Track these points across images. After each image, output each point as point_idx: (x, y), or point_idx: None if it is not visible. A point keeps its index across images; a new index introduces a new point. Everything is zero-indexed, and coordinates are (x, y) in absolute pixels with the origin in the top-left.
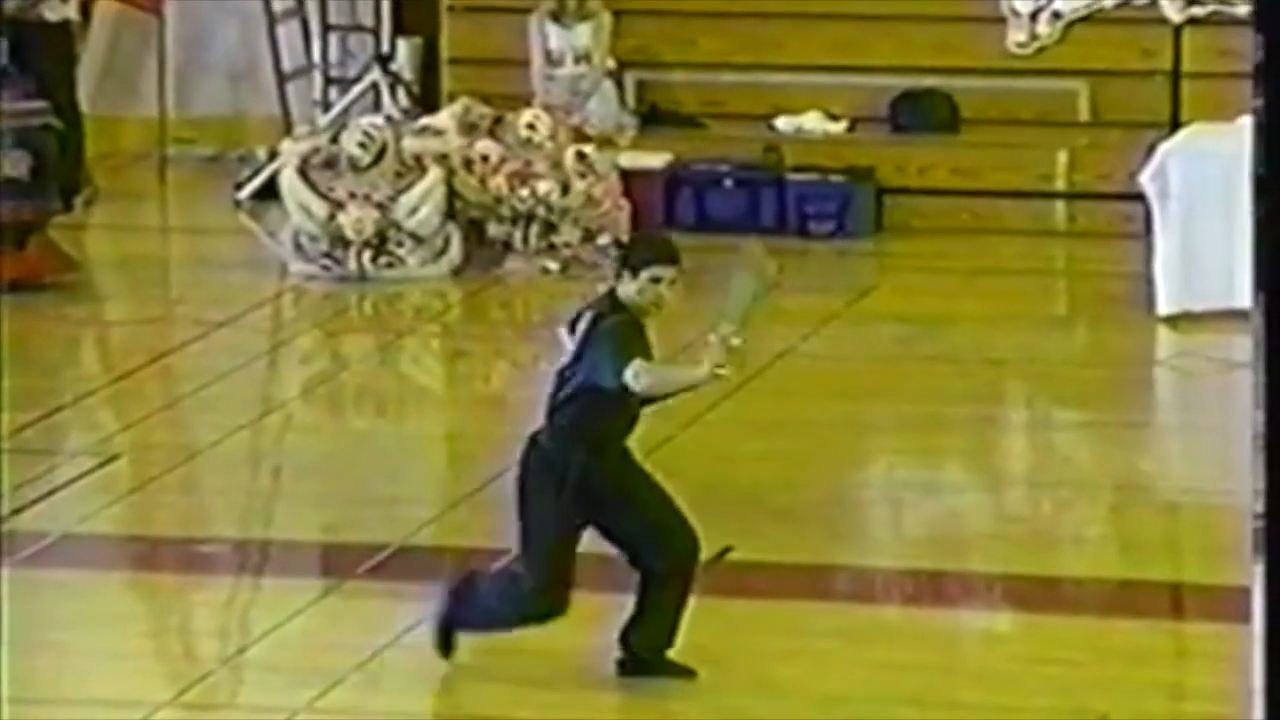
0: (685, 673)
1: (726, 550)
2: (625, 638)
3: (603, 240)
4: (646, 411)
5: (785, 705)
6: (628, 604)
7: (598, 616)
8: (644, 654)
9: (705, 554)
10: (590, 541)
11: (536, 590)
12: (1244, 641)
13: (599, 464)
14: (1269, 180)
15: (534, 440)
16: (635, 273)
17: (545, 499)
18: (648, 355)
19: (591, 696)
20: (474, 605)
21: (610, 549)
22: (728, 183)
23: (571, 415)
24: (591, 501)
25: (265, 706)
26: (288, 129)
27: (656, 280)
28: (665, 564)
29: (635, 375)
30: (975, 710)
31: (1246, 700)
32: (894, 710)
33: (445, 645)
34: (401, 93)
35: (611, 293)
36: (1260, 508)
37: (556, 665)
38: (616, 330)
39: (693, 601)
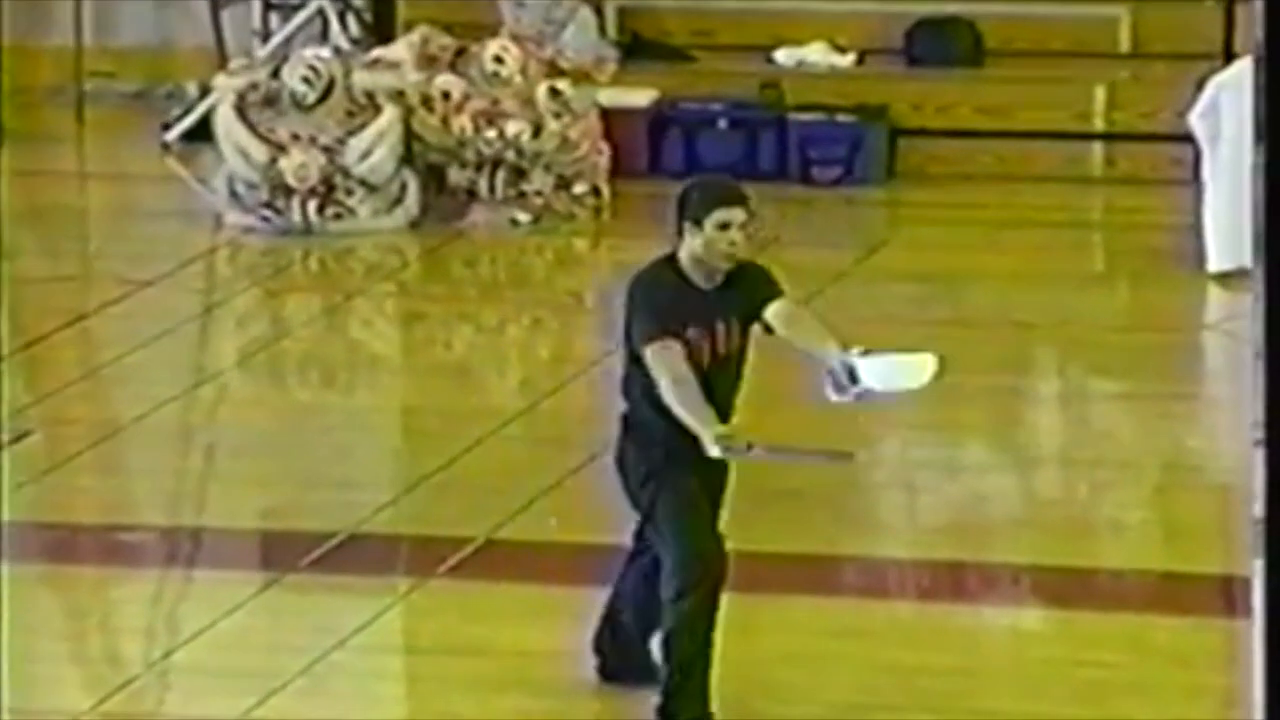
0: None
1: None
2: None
3: (579, 188)
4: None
5: (787, 712)
6: (600, 598)
7: (569, 613)
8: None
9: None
10: (545, 530)
11: (683, 562)
12: None
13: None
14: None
15: (624, 418)
16: (699, 223)
17: (651, 469)
18: (693, 320)
19: (564, 703)
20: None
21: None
22: (721, 123)
23: (637, 388)
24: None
25: (197, 716)
26: (222, 62)
27: (725, 226)
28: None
29: (654, 355)
30: (1000, 719)
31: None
32: (909, 718)
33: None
34: (351, 20)
35: (670, 256)
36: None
37: (526, 667)
38: (652, 283)
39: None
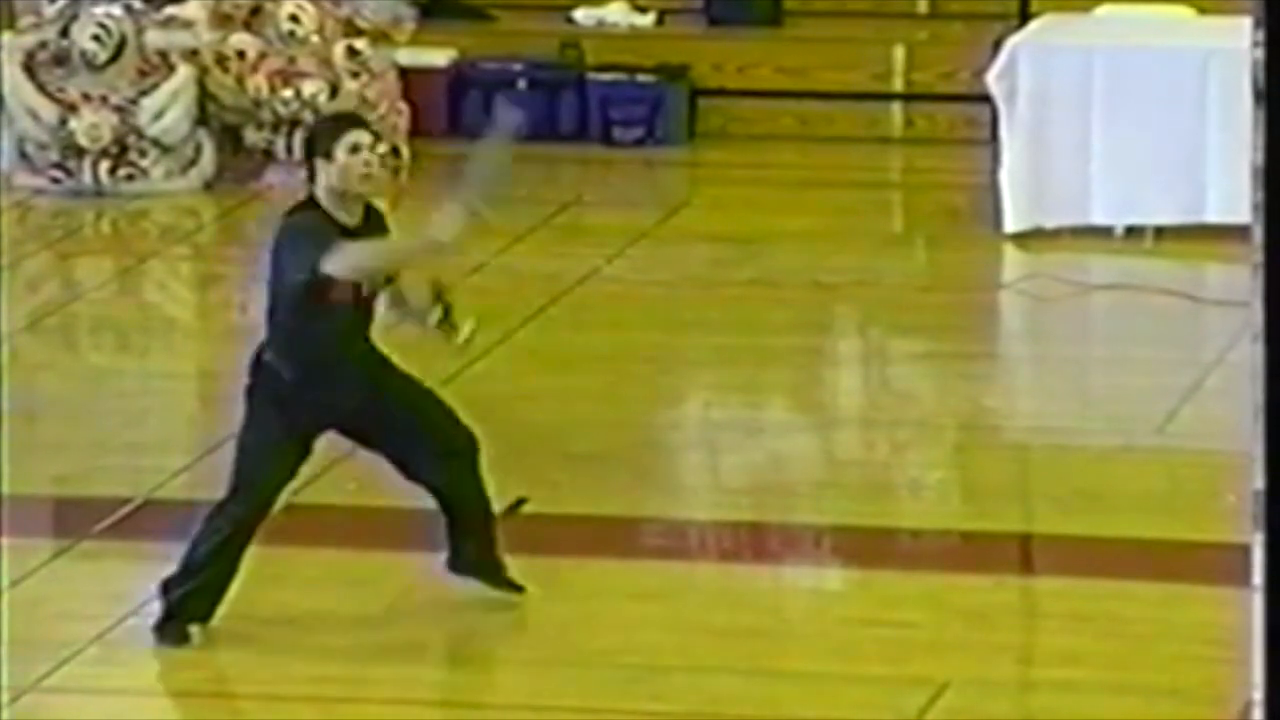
0: (514, 587)
1: (521, 501)
2: (454, 567)
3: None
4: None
5: (588, 675)
6: (395, 562)
7: (368, 578)
8: (476, 573)
9: (497, 505)
10: (344, 494)
11: (240, 509)
12: (1098, 598)
13: (335, 377)
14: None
15: (258, 355)
16: (329, 155)
17: (267, 413)
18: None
19: (361, 669)
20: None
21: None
22: (521, 83)
23: (282, 327)
24: (330, 415)
25: None
26: (9, 19)
27: (356, 149)
28: (446, 475)
29: (334, 259)
30: (802, 679)
31: (1127, 663)
32: (712, 680)
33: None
34: None
35: (309, 198)
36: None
37: (326, 631)
38: (302, 223)
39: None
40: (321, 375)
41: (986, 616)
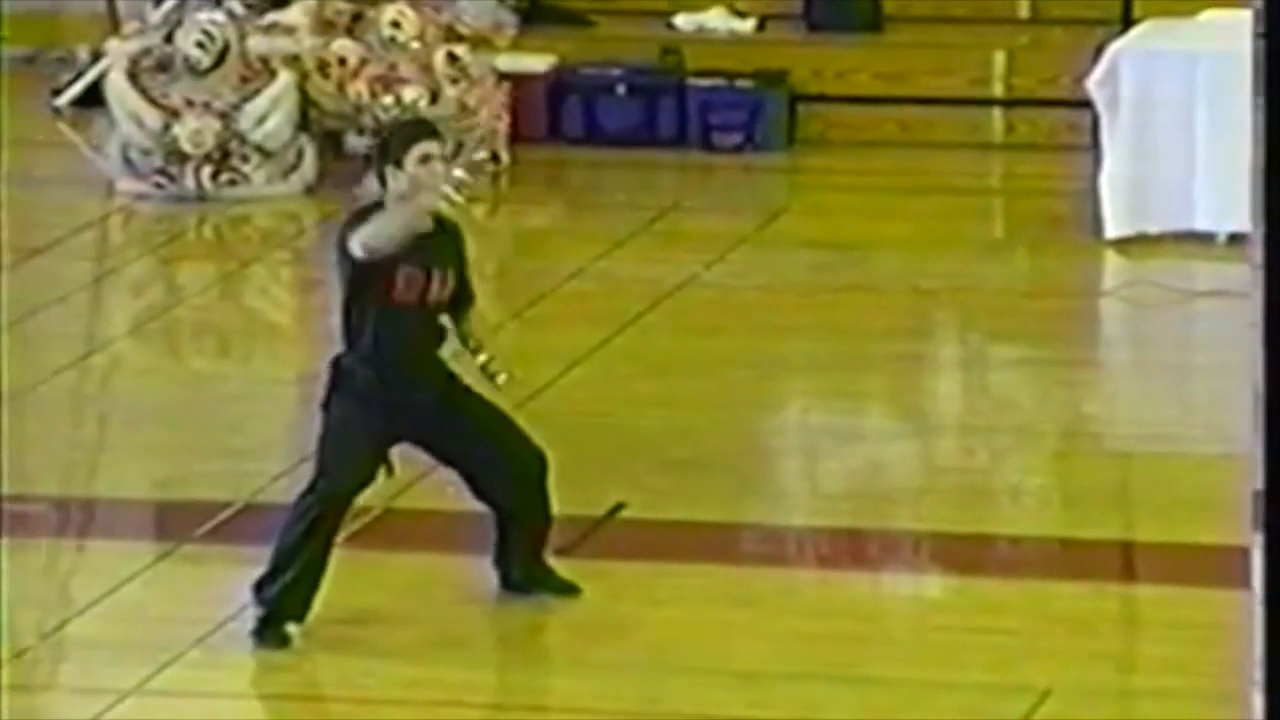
0: (570, 589)
1: (619, 507)
2: (506, 582)
3: (479, 155)
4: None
5: (687, 682)
6: (489, 568)
7: (464, 581)
8: (528, 584)
9: (593, 510)
10: (444, 499)
11: (319, 503)
12: (1200, 606)
13: (408, 381)
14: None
15: (336, 361)
16: (400, 164)
17: (347, 413)
18: (406, 260)
19: (456, 671)
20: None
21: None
22: (620, 89)
23: (356, 330)
24: (406, 422)
25: (90, 688)
26: (114, 26)
27: (427, 159)
28: (514, 496)
29: (359, 241)
30: (899, 686)
31: (1229, 671)
32: (808, 686)
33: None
34: None
35: (378, 203)
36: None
37: (418, 634)
38: (349, 221)
39: (579, 565)
40: (395, 378)
41: (1087, 624)
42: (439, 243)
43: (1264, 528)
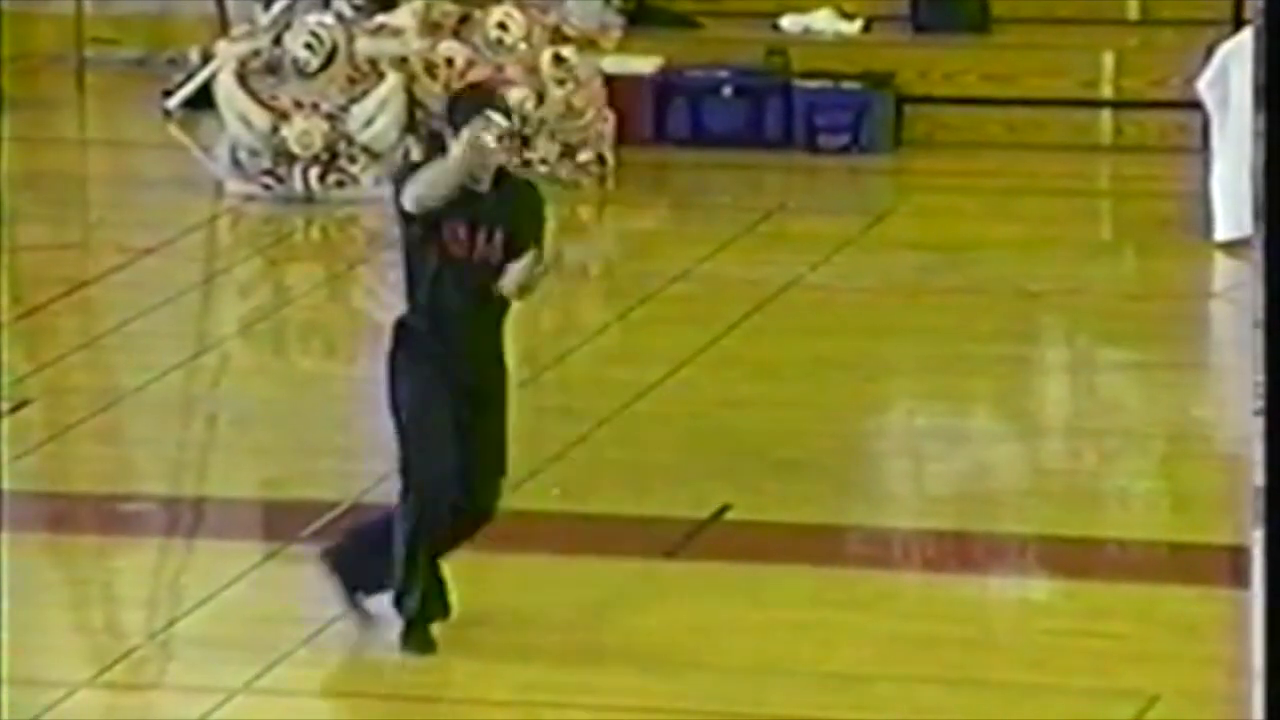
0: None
1: (724, 509)
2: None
3: (584, 156)
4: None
5: (790, 684)
6: (600, 568)
7: (570, 582)
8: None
9: (698, 512)
10: (549, 499)
11: (425, 482)
12: None
13: (460, 332)
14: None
15: (400, 321)
16: (460, 129)
17: (411, 370)
18: (455, 212)
19: (571, 673)
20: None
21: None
22: (726, 90)
23: (415, 283)
24: (460, 373)
25: (199, 686)
26: (224, 28)
27: (486, 128)
28: (465, 512)
29: (410, 194)
30: (1008, 689)
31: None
32: (914, 690)
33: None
34: None
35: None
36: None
37: (532, 637)
38: (404, 176)
39: (685, 568)
40: (449, 326)
41: (1196, 628)
42: (490, 200)
43: (1265, 525)
